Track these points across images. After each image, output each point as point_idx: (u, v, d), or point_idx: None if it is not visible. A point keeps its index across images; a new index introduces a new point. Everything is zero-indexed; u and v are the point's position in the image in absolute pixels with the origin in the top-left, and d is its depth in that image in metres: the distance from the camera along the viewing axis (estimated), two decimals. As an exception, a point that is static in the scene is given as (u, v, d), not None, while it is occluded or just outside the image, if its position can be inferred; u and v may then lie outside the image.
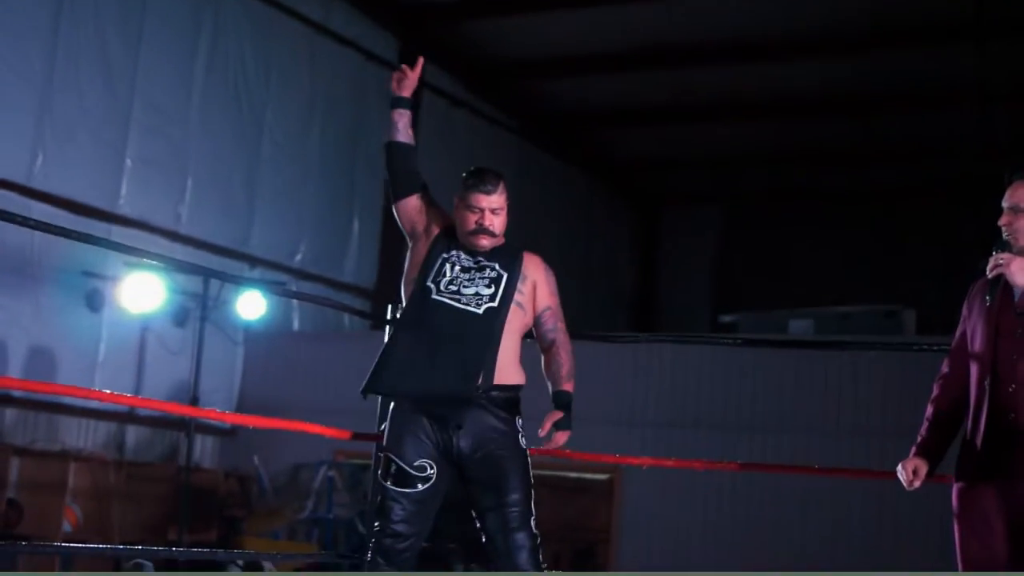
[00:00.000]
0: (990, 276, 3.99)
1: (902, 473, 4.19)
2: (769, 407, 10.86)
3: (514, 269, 4.53)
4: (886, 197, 18.18)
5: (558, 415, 4.42)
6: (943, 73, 13.57)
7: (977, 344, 4.08)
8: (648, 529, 11.10)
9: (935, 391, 4.25)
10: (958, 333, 4.22)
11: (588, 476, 11.55)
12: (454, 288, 4.46)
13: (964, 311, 4.22)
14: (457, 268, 4.50)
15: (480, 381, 4.38)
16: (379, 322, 5.85)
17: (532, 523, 4.38)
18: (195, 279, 10.90)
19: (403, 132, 4.73)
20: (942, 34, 13.10)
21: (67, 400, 10.49)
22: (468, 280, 4.48)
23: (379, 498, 4.45)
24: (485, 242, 4.52)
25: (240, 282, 11.18)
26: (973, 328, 4.13)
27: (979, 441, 3.99)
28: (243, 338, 12.55)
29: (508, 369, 4.46)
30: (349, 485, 11.55)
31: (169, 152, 11.77)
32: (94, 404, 10.84)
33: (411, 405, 4.44)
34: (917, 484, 4.17)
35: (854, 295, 15.68)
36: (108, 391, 5.69)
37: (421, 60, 4.77)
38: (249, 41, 12.59)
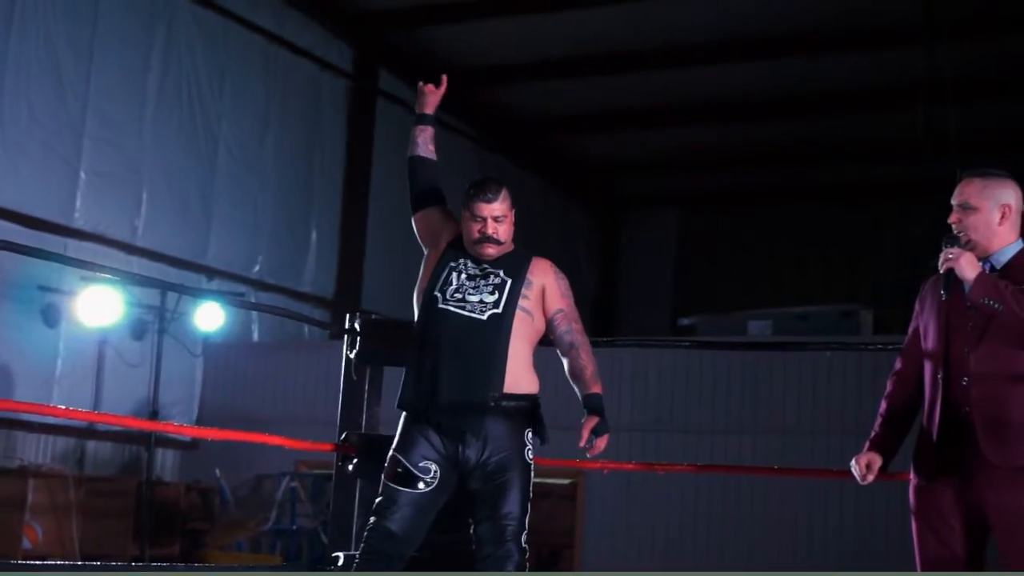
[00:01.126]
0: (941, 271, 4.03)
1: (855, 468, 4.21)
2: (730, 409, 10.91)
3: (519, 275, 4.55)
4: (842, 197, 18.30)
5: (594, 421, 4.38)
6: (894, 73, 13.68)
7: (929, 339, 4.11)
8: (612, 533, 11.13)
9: (888, 387, 4.28)
10: (910, 330, 4.25)
11: (551, 481, 11.57)
12: (459, 296, 4.49)
13: (916, 307, 4.25)
14: (463, 276, 4.53)
15: (488, 389, 4.39)
16: (338, 332, 5.84)
17: (523, 537, 4.41)
18: (152, 292, 10.85)
19: (423, 147, 4.91)
20: (892, 34, 13.22)
21: (25, 416, 10.41)
22: (473, 288, 4.50)
23: (379, 497, 4.45)
24: (491, 250, 4.55)
25: (198, 294, 11.13)
26: (925, 324, 4.16)
27: (934, 437, 4.02)
28: (202, 350, 12.49)
29: (519, 377, 4.47)
30: (312, 495, 11.51)
31: (124, 165, 11.70)
32: (53, 419, 10.75)
33: (421, 414, 4.45)
34: (870, 478, 4.20)
35: (812, 295, 15.77)
36: (66, 406, 5.66)
37: (444, 78, 4.88)
38: (202, 52, 12.54)
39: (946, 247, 4.01)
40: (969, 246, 4.03)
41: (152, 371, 10.46)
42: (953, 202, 4.12)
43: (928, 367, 4.10)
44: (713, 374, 10.96)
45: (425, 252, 4.73)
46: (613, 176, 19.19)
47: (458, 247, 4.62)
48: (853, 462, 4.21)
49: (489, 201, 4.55)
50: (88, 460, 11.42)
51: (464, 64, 15.14)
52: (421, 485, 4.39)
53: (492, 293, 4.50)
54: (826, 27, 13.47)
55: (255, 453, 11.09)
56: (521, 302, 4.51)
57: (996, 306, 3.87)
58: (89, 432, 11.41)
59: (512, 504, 4.39)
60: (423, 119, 4.99)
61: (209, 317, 11.34)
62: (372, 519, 4.43)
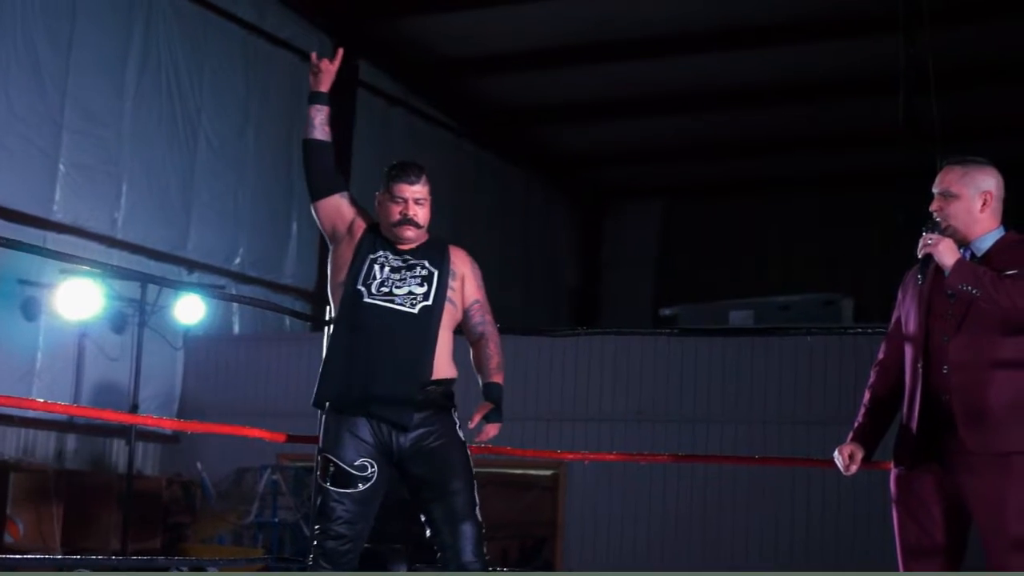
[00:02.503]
0: (920, 256, 4.03)
1: (839, 458, 4.21)
2: (712, 397, 10.92)
3: (444, 265, 4.53)
4: (823, 186, 18.34)
5: (488, 407, 4.41)
6: (875, 61, 13.70)
7: (910, 327, 4.12)
8: (595, 523, 11.13)
9: (872, 377, 4.28)
10: (893, 318, 4.26)
11: (533, 472, 11.56)
12: (386, 289, 4.45)
13: (898, 296, 4.26)
14: (387, 269, 4.48)
15: (421, 378, 4.39)
16: (319, 324, 5.83)
17: (477, 512, 4.39)
18: (132, 285, 10.79)
19: (320, 129, 4.63)
20: (873, 22, 13.22)
21: (5, 410, 10.36)
22: (399, 280, 4.46)
23: (319, 500, 4.42)
24: (410, 233, 4.51)
25: (178, 286, 11.08)
26: (907, 312, 4.16)
27: (914, 425, 4.02)
28: (183, 343, 12.45)
29: (443, 364, 4.47)
30: (294, 488, 11.48)
31: (103, 157, 11.65)
32: (32, 413, 10.71)
33: (349, 407, 4.42)
34: (854, 469, 4.20)
35: (793, 285, 15.80)
36: (46, 400, 5.61)
37: (340, 52, 4.69)
38: (181, 43, 12.49)
39: (926, 231, 4.02)
40: (949, 232, 4.03)
41: (132, 364, 10.41)
42: (934, 190, 4.11)
43: (909, 355, 4.11)
44: (695, 363, 10.97)
45: (330, 242, 4.63)
46: (595, 167, 19.18)
47: (374, 237, 4.55)
48: (836, 453, 4.21)
49: (411, 183, 4.51)
50: (69, 454, 11.38)
51: (445, 55, 15.13)
52: (360, 485, 4.36)
53: (420, 285, 4.47)
54: (806, 16, 13.48)
55: (236, 446, 11.06)
56: (448, 293, 4.51)
57: (974, 292, 3.87)
58: (70, 426, 11.37)
59: (457, 481, 4.38)
60: (318, 98, 4.63)
61: (190, 310, 11.30)
62: (318, 524, 4.40)
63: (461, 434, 4.48)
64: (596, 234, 20.18)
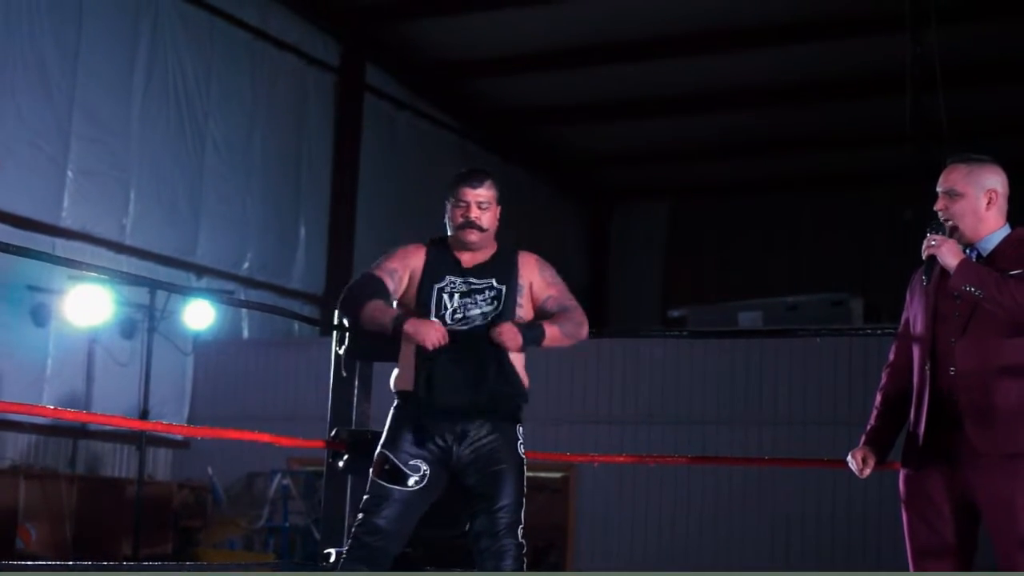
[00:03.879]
0: (924, 257, 4.01)
1: (852, 462, 4.20)
2: (722, 399, 10.91)
3: (511, 279, 4.57)
4: (830, 185, 18.31)
5: (520, 322, 4.46)
6: (882, 60, 13.69)
7: (917, 329, 4.09)
8: (604, 526, 11.13)
9: (883, 379, 4.26)
10: (902, 320, 4.24)
11: (543, 474, 11.56)
12: (460, 316, 4.49)
13: (907, 298, 4.24)
14: (456, 296, 4.52)
15: (489, 389, 4.42)
16: (328, 328, 5.83)
17: (519, 532, 4.44)
18: (142, 290, 10.81)
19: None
20: (880, 21, 13.21)
21: (16, 416, 10.39)
22: (471, 304, 4.51)
23: (366, 495, 4.46)
24: (473, 237, 4.54)
25: (187, 292, 11.10)
26: (914, 314, 4.14)
27: (922, 427, 4.00)
28: (192, 348, 12.47)
29: (512, 374, 4.50)
30: (304, 493, 11.49)
31: (111, 163, 11.68)
32: (43, 420, 10.73)
33: (415, 411, 4.45)
34: (867, 472, 4.18)
35: (802, 285, 15.78)
36: (57, 406, 5.64)
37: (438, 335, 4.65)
38: (188, 49, 12.52)
39: (930, 232, 4.00)
40: (956, 233, 4.01)
41: (142, 370, 10.43)
42: (939, 189, 4.09)
43: (916, 357, 4.08)
44: (705, 365, 10.95)
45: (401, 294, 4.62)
46: (602, 168, 19.18)
47: (435, 259, 4.58)
48: (849, 456, 4.20)
49: (474, 187, 4.57)
50: (80, 460, 11.40)
51: (450, 57, 15.13)
52: (411, 482, 4.41)
53: (491, 303, 4.52)
54: (813, 15, 13.45)
55: (247, 451, 11.08)
56: (518, 310, 4.55)
57: (977, 293, 3.85)
58: (81, 432, 11.39)
59: (506, 497, 4.41)
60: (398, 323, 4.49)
61: (199, 315, 11.32)
62: (360, 515, 4.45)
63: (521, 450, 4.51)
64: (603, 235, 20.18)
